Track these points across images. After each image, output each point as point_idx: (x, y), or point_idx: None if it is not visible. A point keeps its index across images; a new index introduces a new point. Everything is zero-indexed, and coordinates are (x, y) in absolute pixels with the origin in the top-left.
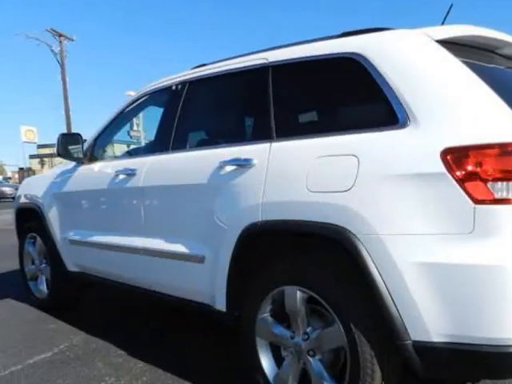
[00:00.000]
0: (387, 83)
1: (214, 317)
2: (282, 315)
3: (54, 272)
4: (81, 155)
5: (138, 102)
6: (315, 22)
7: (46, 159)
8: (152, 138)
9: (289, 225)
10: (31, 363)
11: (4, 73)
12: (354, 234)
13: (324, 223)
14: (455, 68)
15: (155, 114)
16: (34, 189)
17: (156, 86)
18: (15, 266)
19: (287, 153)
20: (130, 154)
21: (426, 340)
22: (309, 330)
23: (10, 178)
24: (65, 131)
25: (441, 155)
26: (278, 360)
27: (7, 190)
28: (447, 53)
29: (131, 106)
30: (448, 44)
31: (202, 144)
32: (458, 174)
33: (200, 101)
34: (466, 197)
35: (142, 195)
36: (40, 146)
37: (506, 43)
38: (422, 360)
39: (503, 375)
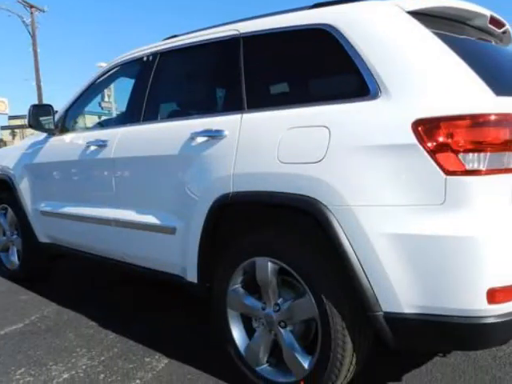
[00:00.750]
0: (358, 54)
1: (185, 288)
2: (253, 286)
3: (25, 243)
4: (52, 126)
5: (110, 73)
6: None
7: (17, 130)
8: (123, 110)
9: (260, 196)
10: (2, 334)
11: None
12: (325, 206)
13: (295, 194)
14: (426, 39)
15: (126, 85)
16: (5, 160)
17: (127, 57)
18: None
19: (258, 124)
20: (102, 125)
21: (397, 311)
22: (280, 301)
23: None
24: (36, 102)
25: (412, 126)
26: (250, 331)
27: None
28: (418, 24)
29: (102, 78)
30: (419, 15)
31: (173, 115)
32: (429, 145)
33: (171, 72)
34: (438, 168)
35: (113, 166)
36: (11, 118)
37: (477, 14)
38: (393, 331)
39: (473, 346)
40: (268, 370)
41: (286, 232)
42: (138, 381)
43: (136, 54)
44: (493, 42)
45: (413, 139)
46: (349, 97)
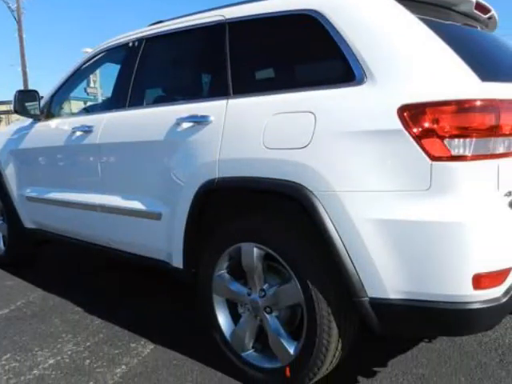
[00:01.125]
0: (344, 40)
1: (171, 274)
2: (238, 272)
3: (10, 229)
4: (38, 112)
5: (95, 58)
6: None
7: (2, 116)
8: (109, 95)
9: (245, 181)
10: None
11: None
12: (311, 191)
13: (281, 180)
14: (412, 25)
15: (112, 70)
16: None
17: (113, 43)
18: None
19: (244, 109)
20: (87, 110)
21: (383, 297)
22: (265, 286)
23: None
24: (22, 88)
25: (397, 112)
26: (235, 317)
27: None
28: (404, 9)
29: (88, 63)
30: (405, 1)
31: (159, 101)
32: (415, 130)
33: (157, 58)
34: (423, 154)
35: (98, 152)
36: None
37: (463, 0)
38: (378, 317)
39: (459, 332)
40: (253, 356)
41: (272, 218)
42: (123, 366)
43: (122, 40)
44: (478, 28)
45: (398, 125)
46: (334, 82)
